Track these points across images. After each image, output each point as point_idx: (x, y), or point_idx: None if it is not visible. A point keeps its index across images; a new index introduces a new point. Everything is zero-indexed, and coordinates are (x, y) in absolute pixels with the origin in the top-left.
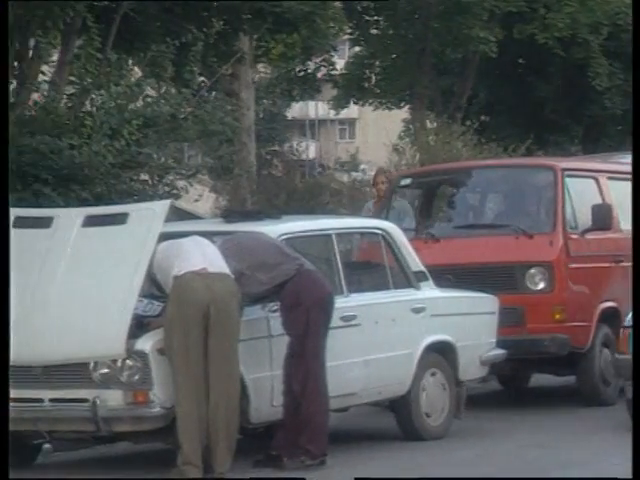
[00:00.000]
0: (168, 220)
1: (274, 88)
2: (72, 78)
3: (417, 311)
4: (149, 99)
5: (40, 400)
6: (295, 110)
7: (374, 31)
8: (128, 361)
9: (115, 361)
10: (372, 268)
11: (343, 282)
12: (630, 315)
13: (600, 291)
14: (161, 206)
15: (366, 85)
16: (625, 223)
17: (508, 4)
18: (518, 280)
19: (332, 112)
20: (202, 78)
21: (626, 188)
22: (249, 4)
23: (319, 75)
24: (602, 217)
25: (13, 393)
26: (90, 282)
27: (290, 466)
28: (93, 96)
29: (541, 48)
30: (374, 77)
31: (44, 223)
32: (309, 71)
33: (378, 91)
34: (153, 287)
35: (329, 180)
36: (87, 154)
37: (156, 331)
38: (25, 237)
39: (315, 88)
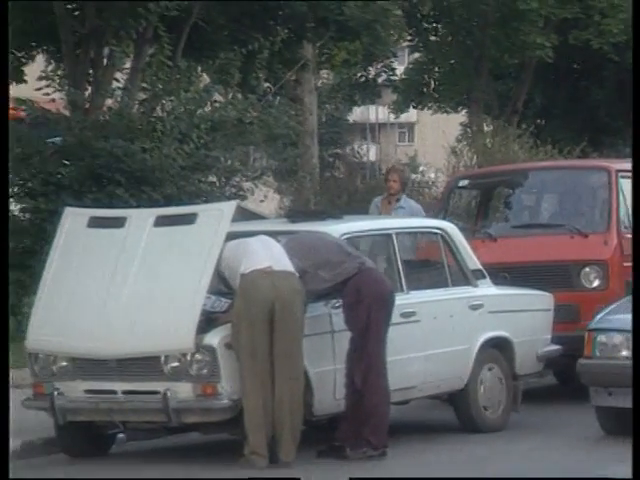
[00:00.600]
0: (235, 220)
1: (336, 93)
2: (144, 85)
3: (475, 308)
4: (217, 104)
5: (114, 392)
6: (356, 114)
7: (433, 38)
8: (197, 355)
9: (185, 355)
10: (431, 266)
11: (403, 280)
12: (598, 317)
13: None
14: (228, 207)
15: (425, 90)
16: None
17: (564, 11)
18: (573, 278)
19: (392, 116)
20: (267, 84)
21: None
22: (313, 13)
23: (380, 80)
24: None
25: (88, 385)
26: (161, 279)
27: (353, 456)
28: (164, 102)
29: (596, 53)
30: (433, 82)
31: (118, 223)
32: (370, 77)
33: (437, 96)
34: (221, 284)
35: None
36: (158, 157)
37: (224, 326)
38: (99, 236)
39: (376, 93)
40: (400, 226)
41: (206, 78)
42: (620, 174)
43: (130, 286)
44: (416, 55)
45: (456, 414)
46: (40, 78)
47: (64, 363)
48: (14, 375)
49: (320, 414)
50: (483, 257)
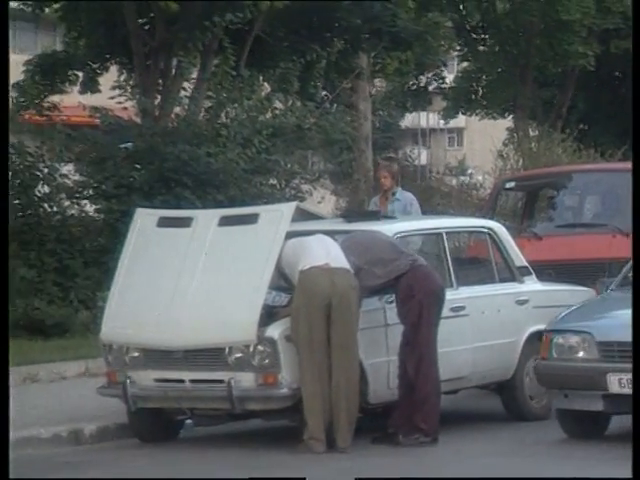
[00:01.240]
0: (294, 220)
1: (389, 100)
2: (209, 93)
3: (521, 303)
4: (277, 111)
5: (182, 381)
6: (408, 120)
7: (481, 48)
8: (259, 347)
9: (248, 346)
10: (479, 263)
11: (453, 276)
12: (557, 318)
13: None
14: (288, 207)
15: (473, 97)
16: None
17: (605, 21)
18: (615, 275)
19: (442, 122)
20: (325, 92)
21: None
22: (368, 25)
23: (430, 88)
24: None
25: (158, 374)
26: (225, 275)
27: (405, 443)
28: (228, 109)
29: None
30: (481, 90)
31: (185, 223)
32: (421, 85)
33: (484, 102)
34: (281, 280)
35: (439, 184)
36: (222, 161)
37: (284, 320)
38: (168, 235)
39: (427, 100)
40: (450, 226)
41: (267, 87)
42: None
43: (196, 282)
44: (465, 64)
45: (503, 403)
46: (113, 88)
47: (136, 354)
48: (90, 365)
49: (374, 402)
50: (529, 255)
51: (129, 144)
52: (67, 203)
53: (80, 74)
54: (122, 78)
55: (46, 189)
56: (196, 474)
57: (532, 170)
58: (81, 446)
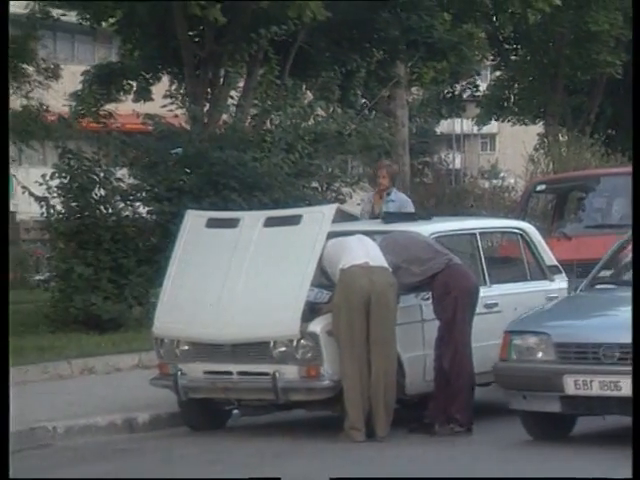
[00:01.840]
0: (335, 221)
1: (425, 107)
2: (255, 101)
3: (551, 300)
4: (319, 118)
5: (229, 373)
6: (443, 126)
7: (513, 57)
8: (302, 341)
9: (291, 341)
10: (511, 262)
11: (486, 274)
12: (519, 319)
13: None
14: (329, 209)
15: (505, 104)
16: None
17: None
18: None
19: (475, 128)
20: (364, 100)
21: None
22: (405, 36)
23: (464, 96)
24: None
25: (207, 367)
26: (270, 274)
27: (441, 432)
28: (272, 116)
29: None
30: (513, 97)
31: (232, 224)
32: (456, 93)
33: (516, 109)
34: (323, 278)
35: (473, 187)
36: (267, 165)
37: (325, 315)
38: (216, 235)
39: (461, 107)
40: (483, 226)
41: (310, 95)
42: None
43: (243, 279)
44: (498, 73)
45: None
46: (165, 96)
47: (186, 347)
48: (143, 357)
49: (411, 394)
50: (559, 254)
51: (179, 149)
52: (122, 205)
53: (134, 84)
54: (173, 87)
55: (102, 192)
56: (242, 461)
57: (562, 173)
58: (135, 434)
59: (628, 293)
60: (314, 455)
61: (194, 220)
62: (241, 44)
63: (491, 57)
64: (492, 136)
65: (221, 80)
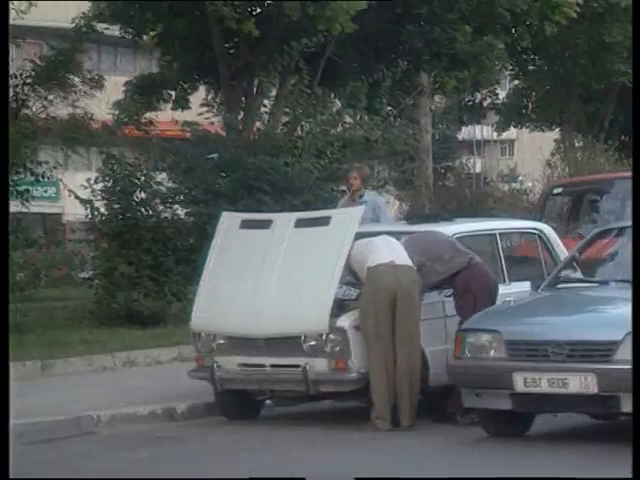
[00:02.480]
0: (362, 222)
1: (447, 115)
2: (287, 109)
3: None
4: (347, 125)
5: (263, 365)
6: (464, 133)
7: (531, 67)
8: (331, 335)
9: (321, 335)
10: (529, 261)
11: (505, 273)
12: (474, 317)
13: None
14: (356, 211)
15: (524, 112)
16: None
17: None
18: None
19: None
20: (390, 107)
21: None
22: (429, 48)
23: (485, 104)
24: None
25: (241, 360)
26: (301, 272)
27: (462, 422)
28: (303, 123)
29: None
30: (530, 105)
31: (265, 225)
32: (476, 101)
33: (534, 116)
34: (350, 276)
35: (492, 190)
36: (298, 170)
37: (353, 311)
38: (250, 236)
39: (481, 114)
40: (502, 227)
41: (338, 103)
42: None
43: (275, 277)
44: (516, 82)
45: None
46: (202, 105)
47: (222, 341)
48: (182, 351)
49: (435, 385)
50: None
51: (215, 155)
52: (161, 207)
53: (173, 93)
54: (210, 96)
55: (143, 195)
56: (274, 448)
57: (577, 177)
58: (174, 422)
59: (587, 292)
60: (342, 444)
61: (229, 221)
62: (274, 56)
63: (510, 67)
64: (511, 142)
65: (255, 89)
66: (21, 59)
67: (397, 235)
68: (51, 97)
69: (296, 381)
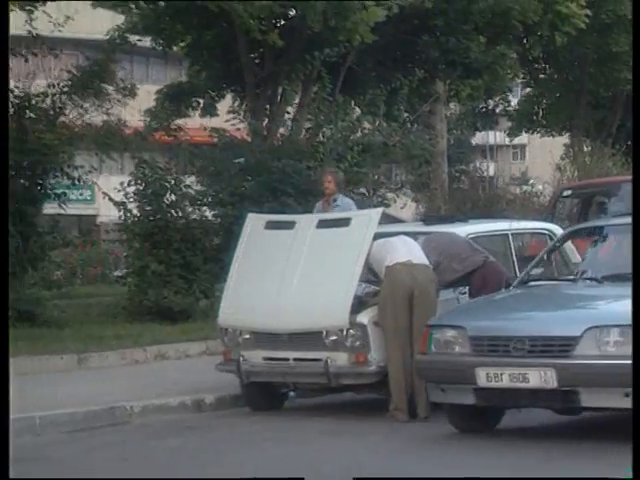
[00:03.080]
0: (381, 223)
1: (462, 121)
2: (309, 116)
3: None
4: (366, 131)
5: (286, 359)
6: (478, 138)
7: (542, 76)
8: (351, 330)
9: (342, 330)
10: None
11: (517, 271)
12: (441, 314)
13: None
14: (375, 213)
15: (535, 118)
16: None
17: None
18: None
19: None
20: (407, 114)
21: None
22: (444, 57)
23: (497, 110)
24: None
25: (266, 353)
26: (322, 270)
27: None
28: (324, 129)
29: None
30: (541, 111)
31: (288, 226)
32: (489, 107)
33: (544, 122)
34: (370, 274)
35: (505, 192)
36: (320, 173)
37: (372, 308)
38: (274, 236)
39: (494, 120)
40: (514, 228)
41: (358, 110)
42: None
43: (298, 275)
44: (527, 89)
45: None
46: (229, 112)
47: (247, 336)
48: (209, 345)
49: None
50: (583, 253)
51: (242, 159)
52: (190, 209)
53: (201, 101)
54: (236, 104)
55: (173, 197)
56: (297, 438)
57: (586, 180)
58: (202, 413)
59: (555, 289)
60: (362, 434)
61: (254, 222)
62: (297, 65)
63: (522, 75)
64: (522, 147)
65: (279, 97)
66: (59, 69)
67: (414, 235)
68: (87, 105)
69: (318, 374)
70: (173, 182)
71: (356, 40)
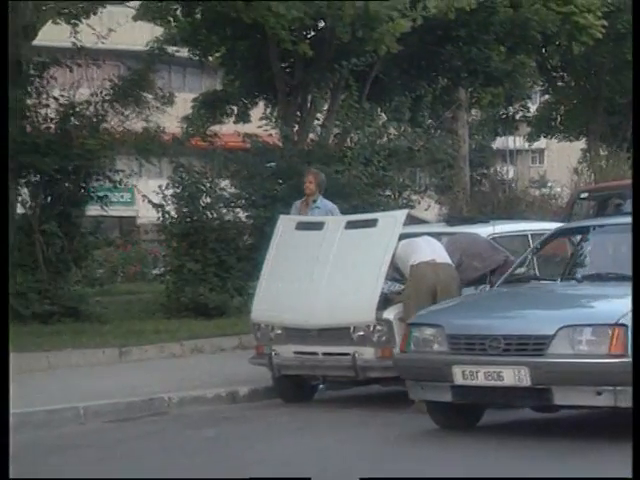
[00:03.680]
0: (406, 224)
1: (483, 127)
2: (337, 122)
3: None
4: (392, 136)
5: (316, 353)
6: (499, 142)
7: (560, 83)
8: (378, 326)
9: (369, 326)
10: (558, 260)
11: (537, 270)
12: (420, 313)
13: None
14: (401, 214)
15: (553, 124)
16: None
17: None
18: None
19: (526, 144)
20: (430, 120)
21: None
22: (466, 66)
23: (517, 117)
24: None
25: (297, 348)
26: (350, 269)
27: None
28: (352, 135)
29: None
30: (559, 117)
31: (318, 227)
32: (509, 114)
33: (562, 128)
34: (395, 273)
35: (524, 195)
36: (348, 177)
37: (398, 305)
38: (304, 237)
39: (514, 126)
40: (534, 228)
41: (384, 116)
42: None
43: (327, 274)
44: (546, 97)
45: None
46: (261, 118)
47: (279, 331)
48: (243, 340)
49: None
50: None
51: (273, 164)
52: (224, 211)
53: (235, 108)
54: (268, 111)
55: (208, 200)
56: (326, 428)
57: (602, 183)
58: (237, 404)
59: (535, 289)
60: (387, 426)
61: (286, 224)
62: (326, 74)
63: (540, 83)
64: (541, 151)
65: (309, 104)
66: (101, 79)
67: (437, 236)
68: (127, 112)
69: (346, 367)
70: (209, 185)
71: (382, 50)
